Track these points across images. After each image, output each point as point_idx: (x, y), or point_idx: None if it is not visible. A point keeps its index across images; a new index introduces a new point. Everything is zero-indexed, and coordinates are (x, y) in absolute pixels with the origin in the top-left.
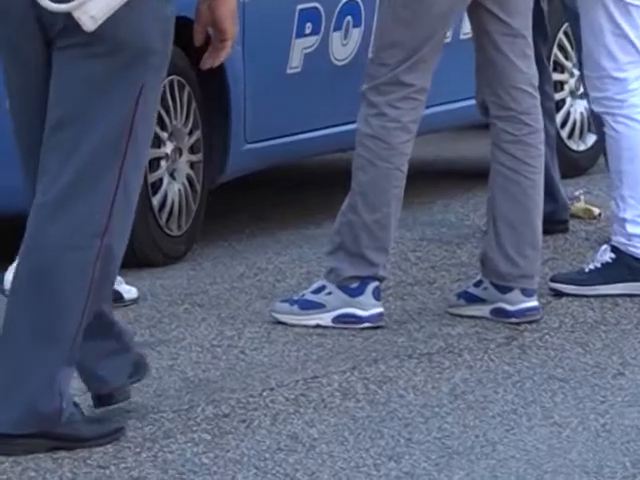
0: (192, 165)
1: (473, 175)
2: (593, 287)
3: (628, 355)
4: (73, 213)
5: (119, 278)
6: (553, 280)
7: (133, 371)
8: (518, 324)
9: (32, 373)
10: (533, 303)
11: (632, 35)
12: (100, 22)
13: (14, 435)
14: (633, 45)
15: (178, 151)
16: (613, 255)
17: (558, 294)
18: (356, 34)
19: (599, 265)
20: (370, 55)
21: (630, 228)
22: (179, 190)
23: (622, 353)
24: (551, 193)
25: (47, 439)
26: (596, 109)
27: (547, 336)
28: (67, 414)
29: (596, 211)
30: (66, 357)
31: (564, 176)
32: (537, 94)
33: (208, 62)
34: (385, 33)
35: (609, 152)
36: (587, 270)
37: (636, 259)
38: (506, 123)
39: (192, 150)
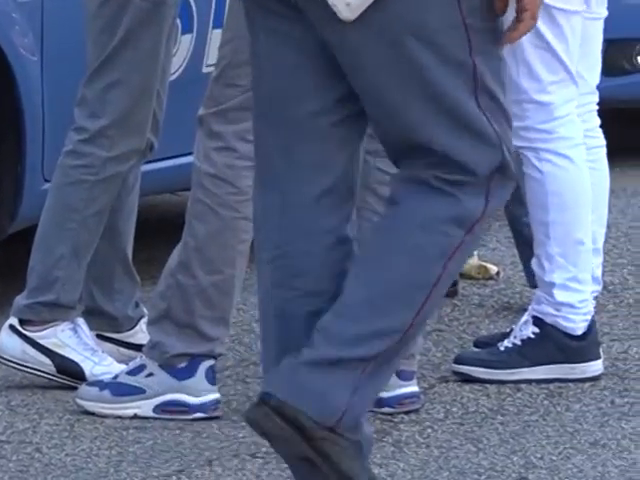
0: None
1: None
2: (512, 370)
3: (532, 454)
4: None
5: None
6: (458, 362)
7: None
8: (392, 415)
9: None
10: (412, 388)
11: (558, 48)
12: (359, 11)
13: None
14: (560, 60)
15: None
16: (536, 329)
17: (466, 379)
18: (186, 42)
19: (519, 342)
20: (215, 73)
21: (559, 295)
22: None
23: (525, 452)
24: None
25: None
26: (514, 142)
27: (429, 430)
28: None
29: (493, 269)
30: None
31: None
32: None
33: (509, 37)
34: (241, 46)
35: (530, 199)
36: (503, 349)
37: (566, 334)
38: (382, 160)
39: None
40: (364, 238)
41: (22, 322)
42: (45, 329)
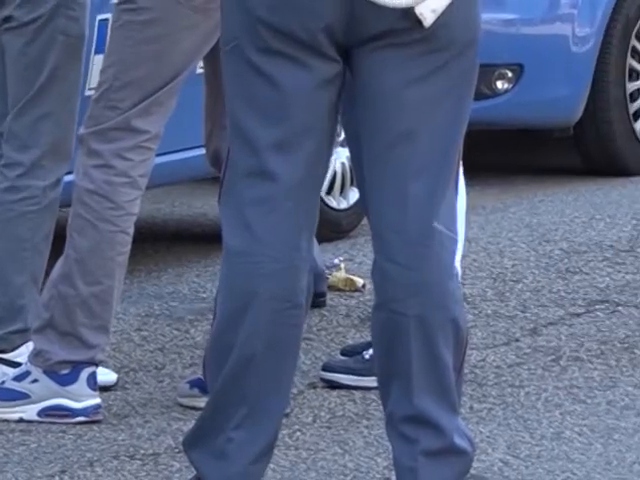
0: None
1: (212, 238)
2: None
3: None
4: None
5: None
6: (326, 369)
7: None
8: None
9: None
10: None
11: None
12: (437, 16)
13: None
14: None
15: None
16: None
17: (333, 385)
18: None
19: None
20: (95, 95)
21: None
22: None
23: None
24: None
25: None
26: None
27: (298, 433)
28: None
29: (359, 282)
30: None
31: (322, 240)
32: None
33: None
34: (121, 71)
35: None
36: (367, 357)
37: None
38: None
39: None
40: None
41: None
42: (18, 348)
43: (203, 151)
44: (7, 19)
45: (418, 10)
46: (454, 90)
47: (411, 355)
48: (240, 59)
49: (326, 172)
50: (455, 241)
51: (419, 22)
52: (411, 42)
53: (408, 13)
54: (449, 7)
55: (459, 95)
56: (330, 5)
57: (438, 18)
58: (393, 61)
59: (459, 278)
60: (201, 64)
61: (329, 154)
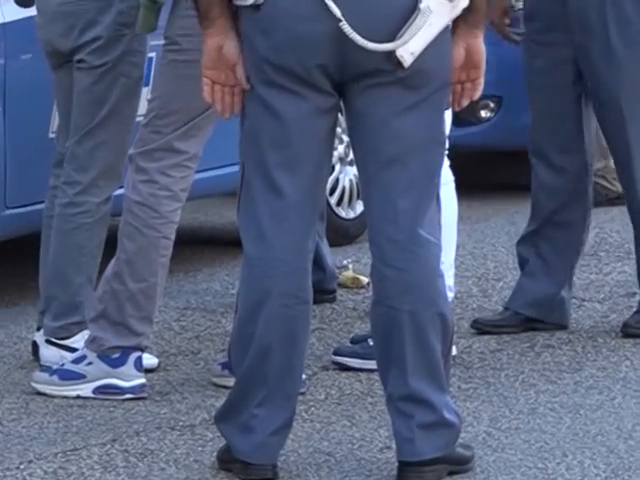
0: None
1: (239, 243)
2: None
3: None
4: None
5: None
6: (336, 353)
7: None
8: None
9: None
10: None
11: None
12: (415, 58)
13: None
14: None
15: None
16: None
17: (342, 368)
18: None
19: None
20: (143, 121)
21: None
22: None
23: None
24: (318, 262)
25: (448, 464)
26: None
27: (313, 408)
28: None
29: (364, 280)
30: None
31: (332, 244)
32: None
33: (464, 101)
34: (166, 102)
35: None
36: (372, 343)
37: None
38: None
39: None
40: None
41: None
42: (75, 336)
43: (233, 169)
44: (80, 61)
45: (398, 53)
46: (433, 119)
47: (405, 344)
48: (249, 92)
49: (325, 187)
50: (439, 247)
51: (400, 63)
52: (395, 80)
53: (391, 55)
54: (426, 50)
55: (438, 123)
56: (323, 47)
57: (416, 60)
58: (381, 96)
59: (452, 278)
60: None
61: (327, 172)
